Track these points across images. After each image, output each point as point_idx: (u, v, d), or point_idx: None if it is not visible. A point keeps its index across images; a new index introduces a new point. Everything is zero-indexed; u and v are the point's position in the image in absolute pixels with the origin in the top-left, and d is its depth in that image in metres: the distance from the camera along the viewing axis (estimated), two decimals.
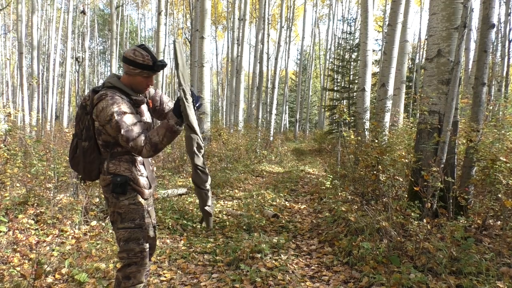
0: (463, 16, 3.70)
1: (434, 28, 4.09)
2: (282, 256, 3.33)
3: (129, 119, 1.86)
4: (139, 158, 2.06)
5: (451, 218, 3.47)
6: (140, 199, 2.01)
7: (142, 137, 1.85)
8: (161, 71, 2.24)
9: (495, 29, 5.27)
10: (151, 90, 2.23)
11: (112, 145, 1.97)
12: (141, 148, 1.84)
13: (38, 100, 14.55)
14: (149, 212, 2.18)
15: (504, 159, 3.21)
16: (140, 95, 2.06)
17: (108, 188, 1.97)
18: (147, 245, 2.03)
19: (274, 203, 5.41)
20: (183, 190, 5.63)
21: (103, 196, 4.50)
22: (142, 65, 1.94)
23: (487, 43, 3.88)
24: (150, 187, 2.10)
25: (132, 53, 1.93)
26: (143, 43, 2.07)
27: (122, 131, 1.82)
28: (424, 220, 3.32)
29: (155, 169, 2.38)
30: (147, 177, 2.08)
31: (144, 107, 2.11)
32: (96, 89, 1.98)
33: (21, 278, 2.59)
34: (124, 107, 1.88)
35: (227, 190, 6.15)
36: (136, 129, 1.86)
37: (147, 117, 2.10)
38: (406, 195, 4.18)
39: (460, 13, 3.84)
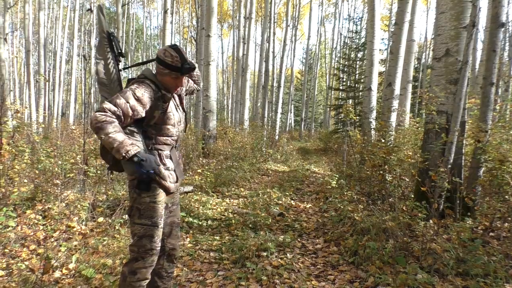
0: (472, 15, 3.66)
1: (442, 27, 4.05)
2: (288, 254, 3.34)
3: (131, 99, 1.85)
4: (165, 152, 2.05)
5: (458, 219, 3.45)
6: (162, 197, 2.00)
7: (108, 114, 1.76)
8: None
9: (503, 28, 5.20)
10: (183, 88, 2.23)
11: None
12: (95, 119, 1.73)
13: (44, 98, 14.68)
14: (174, 211, 2.19)
15: None
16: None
17: (132, 183, 1.96)
18: (159, 244, 2.02)
19: (280, 201, 5.41)
20: (189, 188, 5.64)
21: (109, 193, 4.56)
22: (170, 66, 1.95)
23: (496, 42, 3.83)
24: (176, 181, 2.09)
25: (163, 52, 1.95)
26: (175, 44, 2.00)
27: (114, 97, 1.83)
28: (431, 221, 3.31)
29: (182, 161, 2.37)
30: (174, 170, 2.08)
31: (172, 104, 2.07)
32: (130, 80, 2.03)
33: (30, 273, 2.63)
34: (140, 92, 1.88)
35: (233, 189, 6.16)
36: (119, 107, 1.80)
37: (174, 113, 2.07)
38: (413, 196, 4.16)
39: (469, 11, 3.80)
